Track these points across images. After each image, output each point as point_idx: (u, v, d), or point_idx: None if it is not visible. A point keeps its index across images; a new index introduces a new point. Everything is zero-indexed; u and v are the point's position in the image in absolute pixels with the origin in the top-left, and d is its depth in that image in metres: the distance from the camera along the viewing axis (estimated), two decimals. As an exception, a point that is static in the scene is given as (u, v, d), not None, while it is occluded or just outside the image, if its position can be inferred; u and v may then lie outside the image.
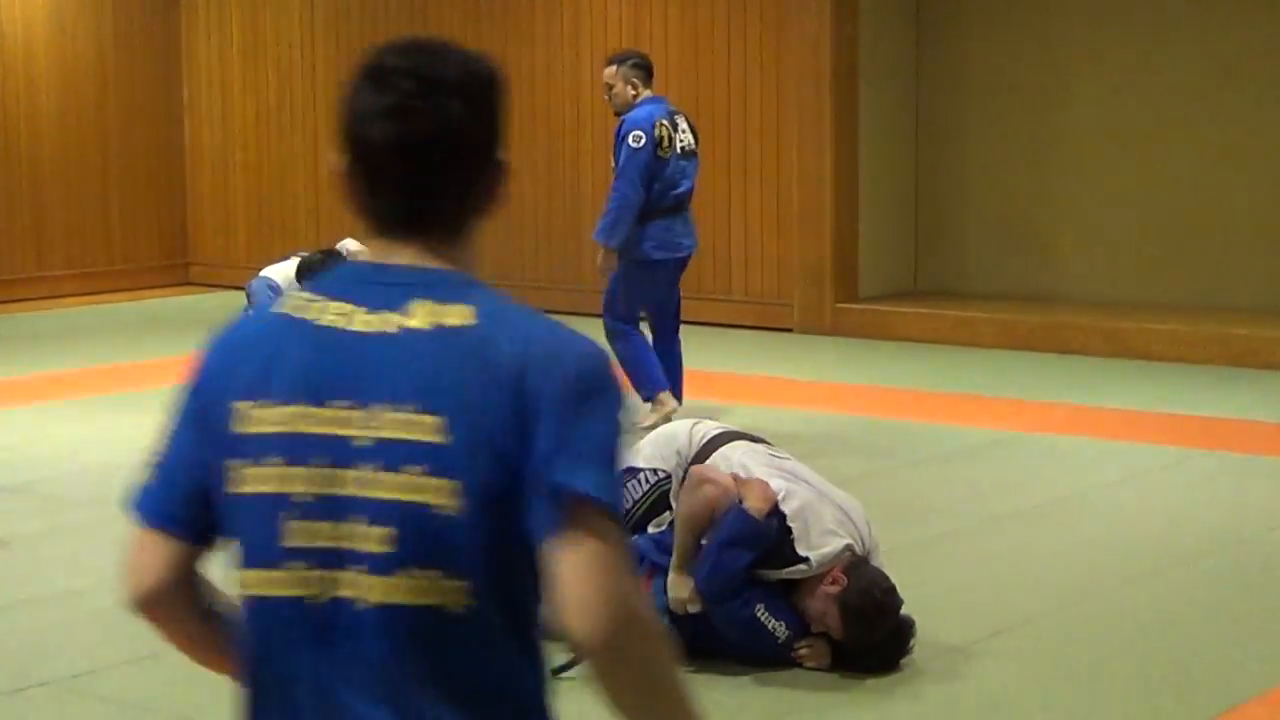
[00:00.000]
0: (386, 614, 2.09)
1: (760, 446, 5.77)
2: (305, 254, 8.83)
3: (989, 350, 11.69)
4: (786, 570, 5.37)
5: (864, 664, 5.43)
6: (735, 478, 5.44)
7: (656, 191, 9.02)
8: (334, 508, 2.11)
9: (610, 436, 2.11)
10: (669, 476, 5.69)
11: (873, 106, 12.67)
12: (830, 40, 12.38)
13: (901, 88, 13.01)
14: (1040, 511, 7.50)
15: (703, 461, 5.62)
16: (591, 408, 2.11)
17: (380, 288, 2.18)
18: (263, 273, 11.59)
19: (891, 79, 12.91)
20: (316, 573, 2.12)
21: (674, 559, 5.39)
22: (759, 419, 9.01)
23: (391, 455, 2.09)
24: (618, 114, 9.24)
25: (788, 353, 11.87)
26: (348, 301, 2.18)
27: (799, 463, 5.74)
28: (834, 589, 5.35)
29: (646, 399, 8.93)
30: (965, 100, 12.93)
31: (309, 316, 2.18)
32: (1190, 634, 5.90)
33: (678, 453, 5.72)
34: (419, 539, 2.08)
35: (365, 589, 2.09)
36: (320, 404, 2.13)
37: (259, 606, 2.16)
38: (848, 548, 5.43)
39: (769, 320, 12.77)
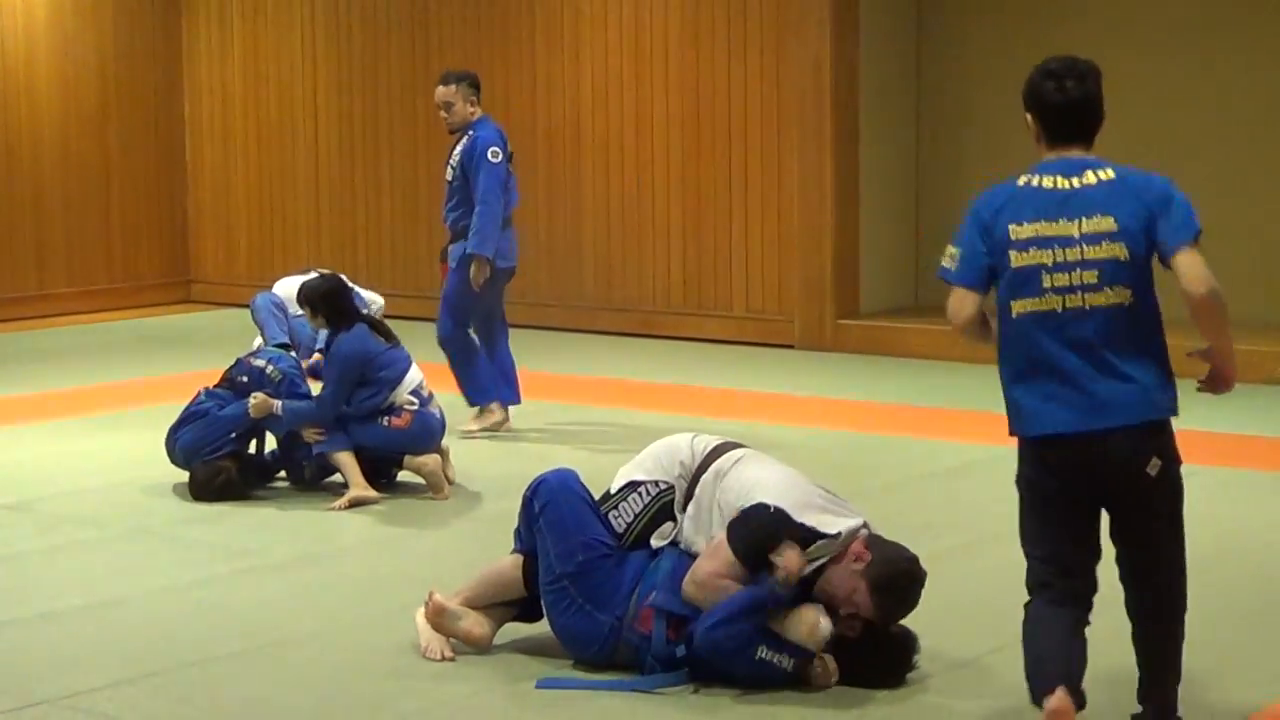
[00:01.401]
0: (1099, 311, 4.70)
1: (785, 466, 5.79)
2: (308, 277, 8.85)
3: (990, 366, 11.58)
4: (810, 549, 5.37)
5: (869, 679, 5.42)
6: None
7: (504, 204, 9.46)
8: (1068, 267, 4.70)
9: (1187, 213, 4.84)
10: (671, 488, 5.70)
11: (873, 123, 12.68)
12: (831, 58, 12.39)
13: (902, 104, 13.01)
14: (1042, 527, 7.49)
15: (710, 466, 5.66)
16: (1173, 206, 4.81)
17: (1070, 166, 4.78)
18: (273, 290, 11.60)
19: (892, 96, 12.91)
20: (1061, 298, 4.71)
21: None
22: (759, 435, 9.00)
23: (1094, 239, 4.69)
24: (452, 131, 9.58)
25: (788, 368, 11.87)
26: (1055, 175, 4.77)
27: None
28: (859, 565, 5.36)
29: (475, 404, 9.56)
30: (966, 116, 12.93)
31: (1034, 184, 4.79)
32: (1190, 649, 5.88)
33: (681, 463, 5.73)
34: (1113, 273, 4.69)
35: (1087, 300, 4.70)
36: (1054, 221, 4.72)
37: (1030, 317, 4.78)
38: (865, 524, 5.48)
39: (770, 336, 12.77)
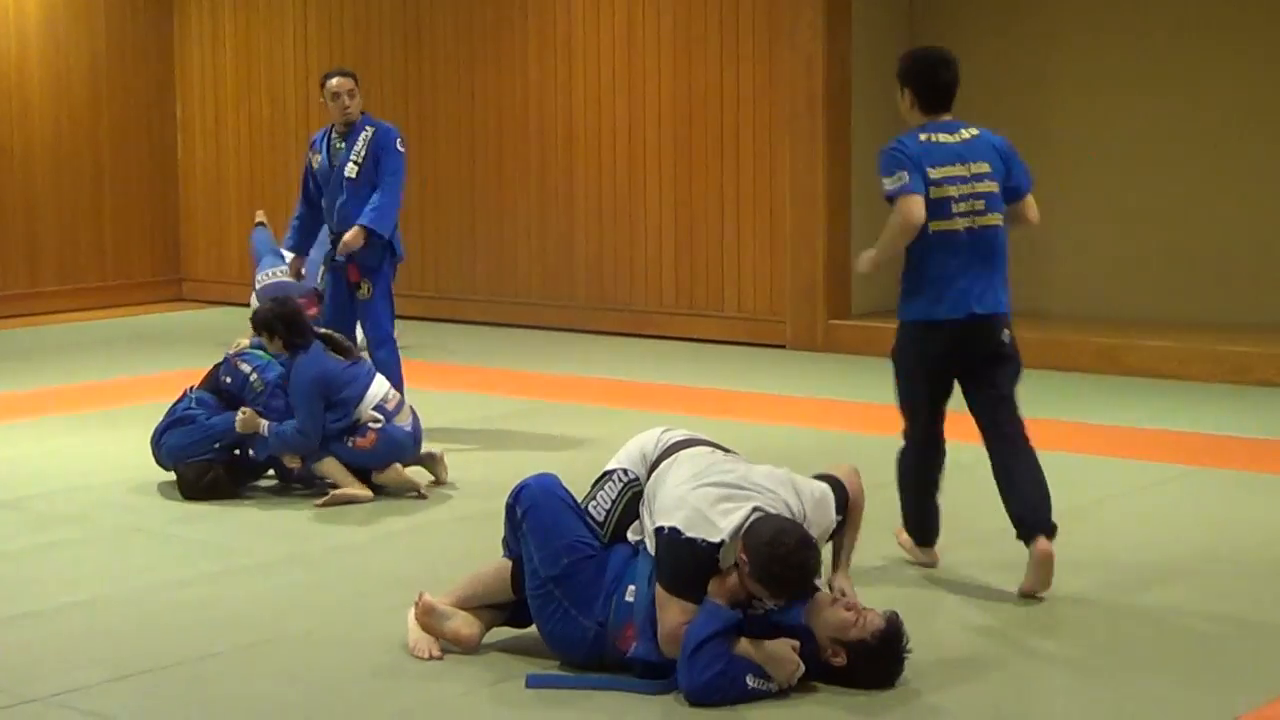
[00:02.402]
0: (988, 230, 6.39)
1: (713, 454, 5.77)
2: (273, 282, 8.71)
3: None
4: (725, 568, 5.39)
5: (862, 680, 5.41)
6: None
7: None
8: (967, 198, 6.34)
9: (1024, 165, 6.50)
10: (637, 479, 5.73)
11: (865, 123, 12.69)
12: (823, 58, 12.40)
13: (894, 105, 12.98)
14: (1032, 528, 7.50)
15: (662, 462, 5.68)
16: (1015, 158, 6.51)
17: (950, 127, 6.45)
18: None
19: (884, 96, 12.87)
20: (965, 220, 6.34)
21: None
22: (751, 435, 9.01)
23: (979, 178, 6.36)
24: (347, 124, 9.38)
25: (780, 369, 11.88)
26: (943, 133, 6.40)
27: (750, 466, 5.74)
28: (743, 557, 5.32)
29: None
30: (958, 118, 12.92)
31: (934, 139, 6.39)
32: (1184, 651, 5.90)
33: (644, 455, 5.77)
34: (992, 203, 6.39)
35: (978, 222, 6.37)
36: (954, 165, 6.34)
37: (940, 234, 6.32)
38: (754, 509, 5.40)
39: (762, 336, 12.78)
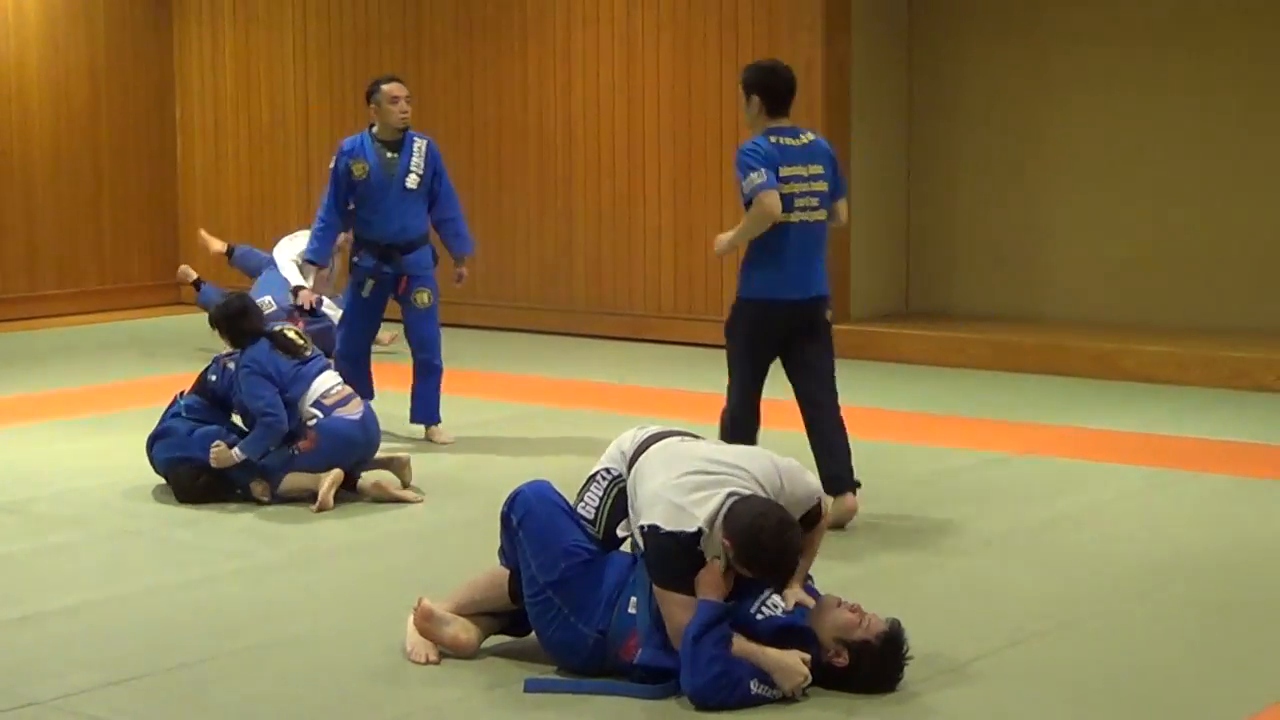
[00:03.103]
0: (818, 225, 7.44)
1: (683, 442, 5.80)
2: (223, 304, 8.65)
3: (979, 371, 11.70)
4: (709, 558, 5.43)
5: (863, 682, 5.42)
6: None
7: None
8: (805, 195, 7.34)
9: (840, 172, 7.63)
10: (621, 475, 5.78)
11: (864, 129, 12.70)
12: (822, 64, 12.40)
13: (893, 110, 13.03)
14: (1030, 533, 7.51)
15: (639, 457, 5.73)
16: (837, 164, 7.56)
17: (793, 131, 7.40)
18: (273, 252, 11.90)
19: (883, 101, 12.93)
20: (802, 214, 7.37)
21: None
22: (749, 440, 9.01)
23: (816, 178, 7.40)
24: (398, 132, 9.37)
25: (779, 373, 11.86)
26: (787, 136, 7.37)
27: (722, 447, 5.83)
28: (727, 543, 5.37)
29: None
30: (957, 122, 12.96)
31: (783, 142, 7.33)
32: (1181, 655, 5.90)
33: (622, 453, 5.83)
34: (822, 200, 7.45)
35: (812, 217, 7.41)
36: (799, 165, 7.34)
37: (783, 226, 7.33)
38: (730, 494, 5.44)
39: (760, 341, 12.77)
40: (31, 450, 9.42)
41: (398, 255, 9.33)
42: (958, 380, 11.43)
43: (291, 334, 8.27)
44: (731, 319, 7.62)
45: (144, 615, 6.38)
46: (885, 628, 5.42)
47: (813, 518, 5.70)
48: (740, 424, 7.52)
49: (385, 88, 9.35)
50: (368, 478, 8.16)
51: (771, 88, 7.47)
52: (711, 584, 5.39)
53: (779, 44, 12.60)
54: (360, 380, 9.14)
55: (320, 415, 7.99)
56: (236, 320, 8.19)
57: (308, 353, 8.18)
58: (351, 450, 8.04)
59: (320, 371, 8.14)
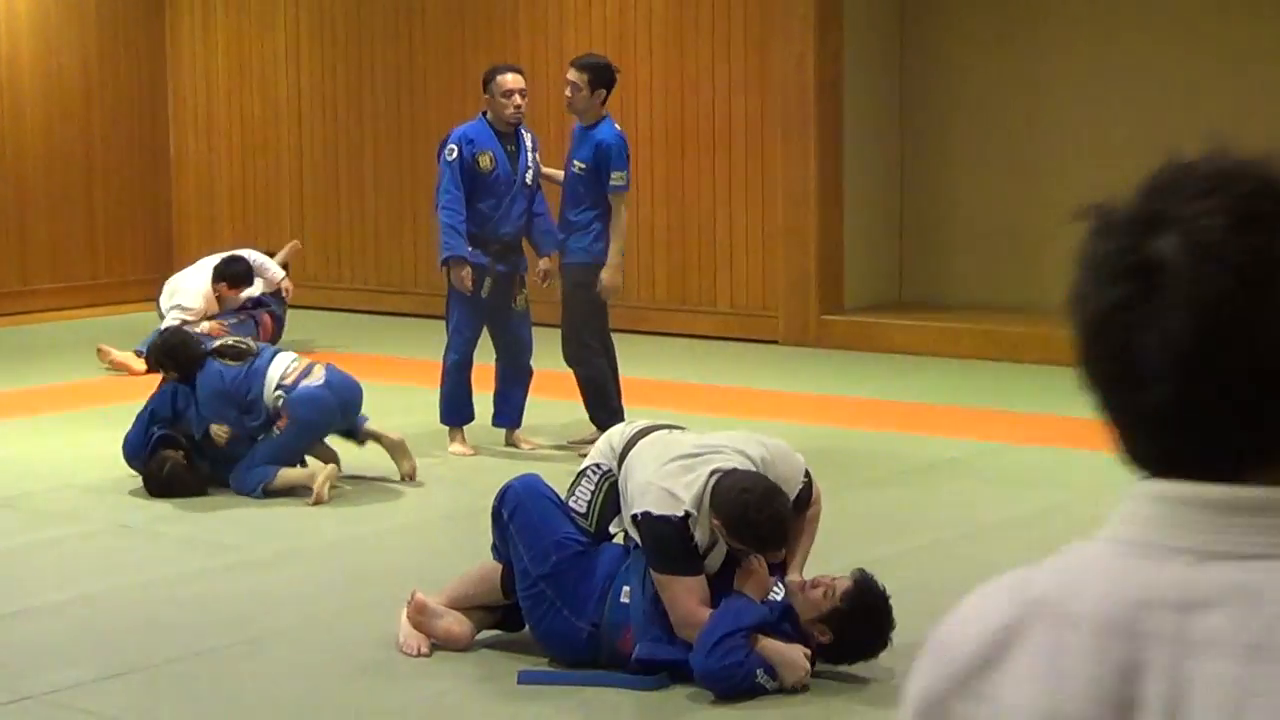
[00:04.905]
0: None
1: (670, 434, 5.81)
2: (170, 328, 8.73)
3: (974, 361, 11.71)
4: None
5: (856, 648, 5.43)
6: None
7: None
8: None
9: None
10: (611, 470, 5.78)
11: (857, 118, 12.70)
12: (815, 53, 12.40)
13: (886, 99, 13.03)
14: (1026, 522, 7.51)
15: (629, 452, 5.72)
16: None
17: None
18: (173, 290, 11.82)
19: (876, 91, 12.93)
20: None
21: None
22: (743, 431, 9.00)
23: None
24: (511, 125, 8.92)
25: (773, 364, 11.88)
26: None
27: (707, 434, 5.83)
28: (716, 522, 5.38)
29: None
30: (950, 111, 12.95)
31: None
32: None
33: (612, 449, 5.85)
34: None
35: None
36: None
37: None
38: (712, 472, 5.44)
39: (754, 332, 12.78)
40: (25, 445, 9.41)
41: (514, 253, 8.99)
42: (952, 370, 11.43)
43: (232, 342, 8.36)
44: (590, 281, 8.74)
45: (137, 610, 6.37)
46: (849, 584, 5.41)
47: (804, 500, 5.69)
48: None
49: (504, 79, 8.77)
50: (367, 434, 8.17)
51: (612, 81, 8.79)
52: (758, 584, 5.39)
53: (772, 34, 12.60)
54: (468, 393, 8.89)
55: (285, 394, 7.99)
56: (178, 351, 8.21)
57: (255, 351, 8.21)
58: (326, 411, 8.03)
59: (271, 359, 8.15)
